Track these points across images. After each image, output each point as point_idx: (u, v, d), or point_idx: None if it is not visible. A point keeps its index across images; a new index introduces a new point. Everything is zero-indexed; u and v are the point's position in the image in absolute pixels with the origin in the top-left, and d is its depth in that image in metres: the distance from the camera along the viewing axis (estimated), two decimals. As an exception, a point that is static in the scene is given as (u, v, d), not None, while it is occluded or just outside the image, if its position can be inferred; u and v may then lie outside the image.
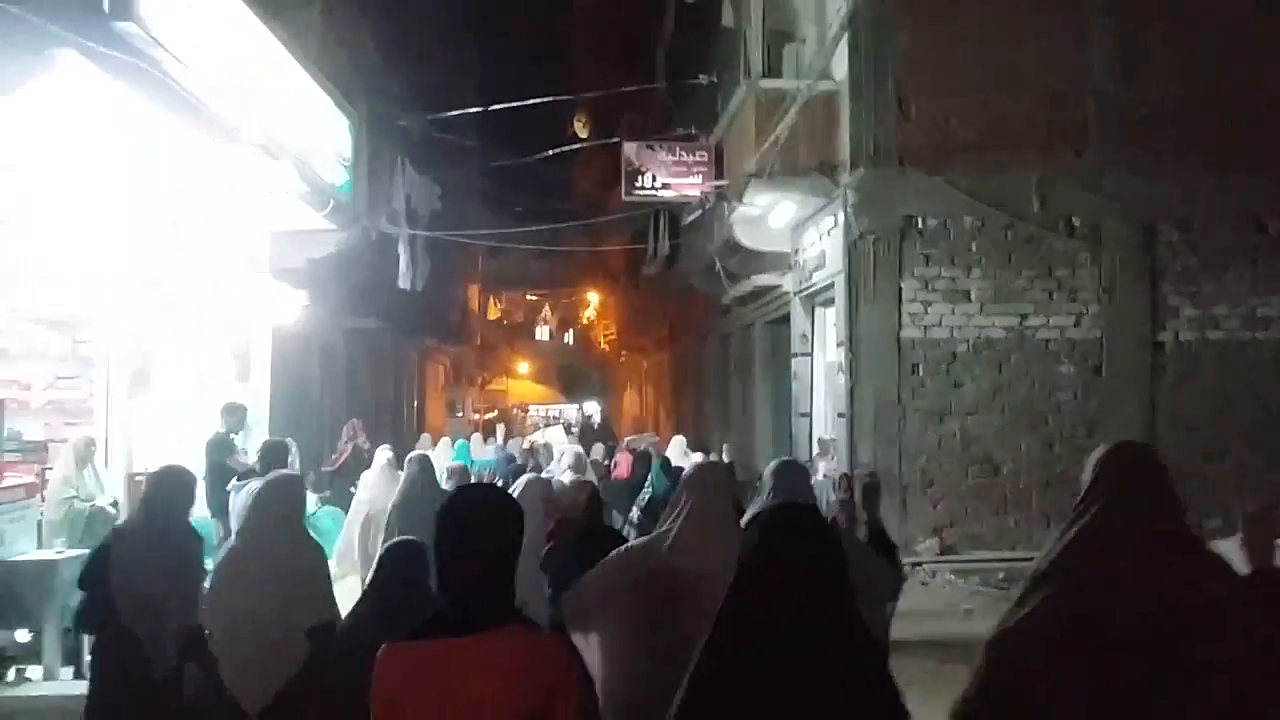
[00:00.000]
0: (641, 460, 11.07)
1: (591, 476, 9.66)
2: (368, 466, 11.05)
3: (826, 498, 10.14)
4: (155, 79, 8.12)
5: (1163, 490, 2.89)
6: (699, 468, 4.33)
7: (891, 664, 2.67)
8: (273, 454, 8.29)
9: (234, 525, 7.98)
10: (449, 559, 2.57)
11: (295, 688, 3.64)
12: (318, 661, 3.54)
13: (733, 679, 2.32)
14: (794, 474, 4.47)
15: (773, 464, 4.45)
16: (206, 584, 4.97)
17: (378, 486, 9.89)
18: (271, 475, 5.19)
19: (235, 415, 10.19)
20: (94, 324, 9.68)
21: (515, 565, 2.63)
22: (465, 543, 2.56)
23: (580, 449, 12.04)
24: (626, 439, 16.20)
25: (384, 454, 10.62)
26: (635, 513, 9.13)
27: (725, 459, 12.92)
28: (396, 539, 4.03)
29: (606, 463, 13.60)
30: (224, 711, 4.41)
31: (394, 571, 3.81)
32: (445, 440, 14.83)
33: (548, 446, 14.36)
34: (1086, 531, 2.83)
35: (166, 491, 5.23)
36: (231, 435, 9.92)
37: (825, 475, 11.94)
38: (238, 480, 8.31)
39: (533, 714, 2.46)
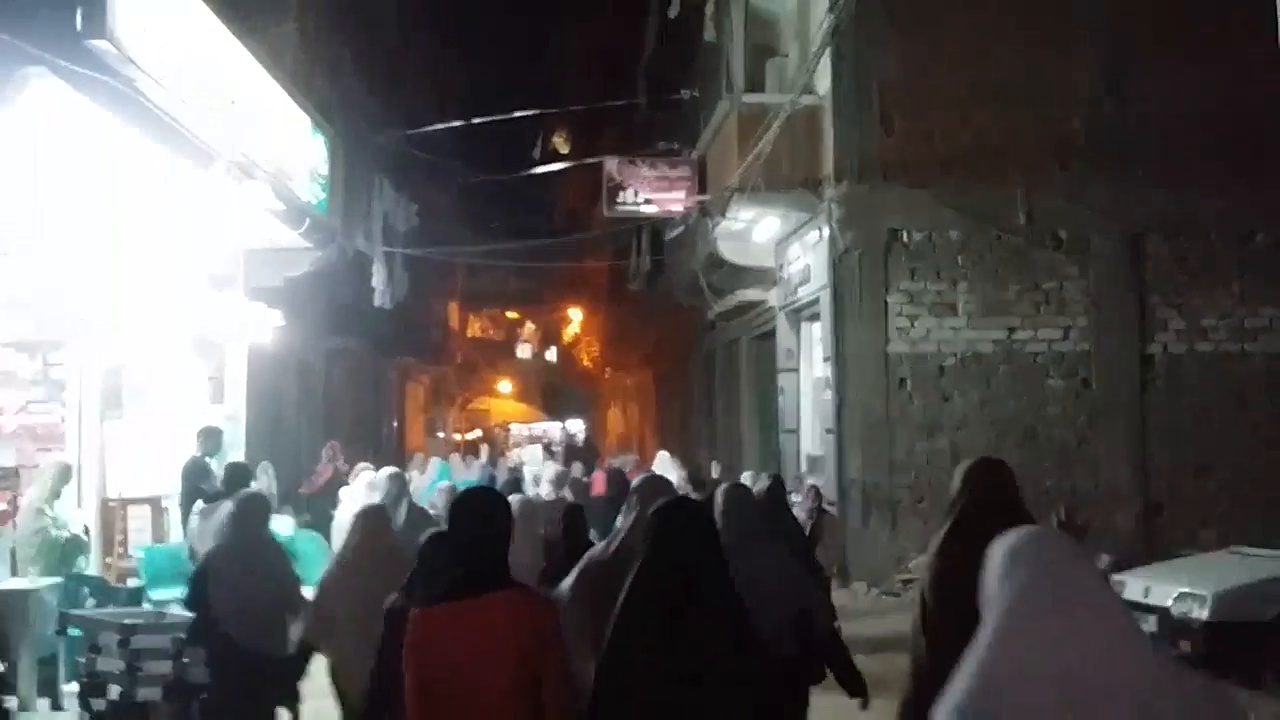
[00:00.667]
0: (615, 477, 11.07)
1: (568, 493, 9.87)
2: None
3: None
4: (129, 97, 7.97)
5: (1011, 493, 4.00)
6: (645, 479, 5.05)
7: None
8: (237, 476, 8.11)
9: (197, 548, 7.77)
10: (464, 540, 3.38)
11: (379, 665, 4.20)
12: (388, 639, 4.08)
13: (641, 629, 3.16)
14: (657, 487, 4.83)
15: (638, 480, 5.08)
16: (312, 591, 5.61)
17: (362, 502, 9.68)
18: (365, 506, 6.01)
19: (211, 439, 9.98)
20: (65, 346, 9.46)
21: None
22: (475, 528, 3.37)
23: (560, 467, 12.10)
24: (608, 460, 16.14)
25: (368, 472, 10.42)
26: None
27: (715, 475, 12.79)
28: (434, 530, 4.63)
29: (585, 480, 13.63)
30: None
31: (435, 557, 4.34)
32: (435, 460, 14.69)
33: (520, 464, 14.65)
34: (957, 526, 3.86)
35: (251, 514, 5.88)
36: (207, 459, 9.70)
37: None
38: (204, 504, 8.09)
39: (529, 650, 3.19)
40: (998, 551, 2.17)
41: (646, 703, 3.10)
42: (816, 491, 10.25)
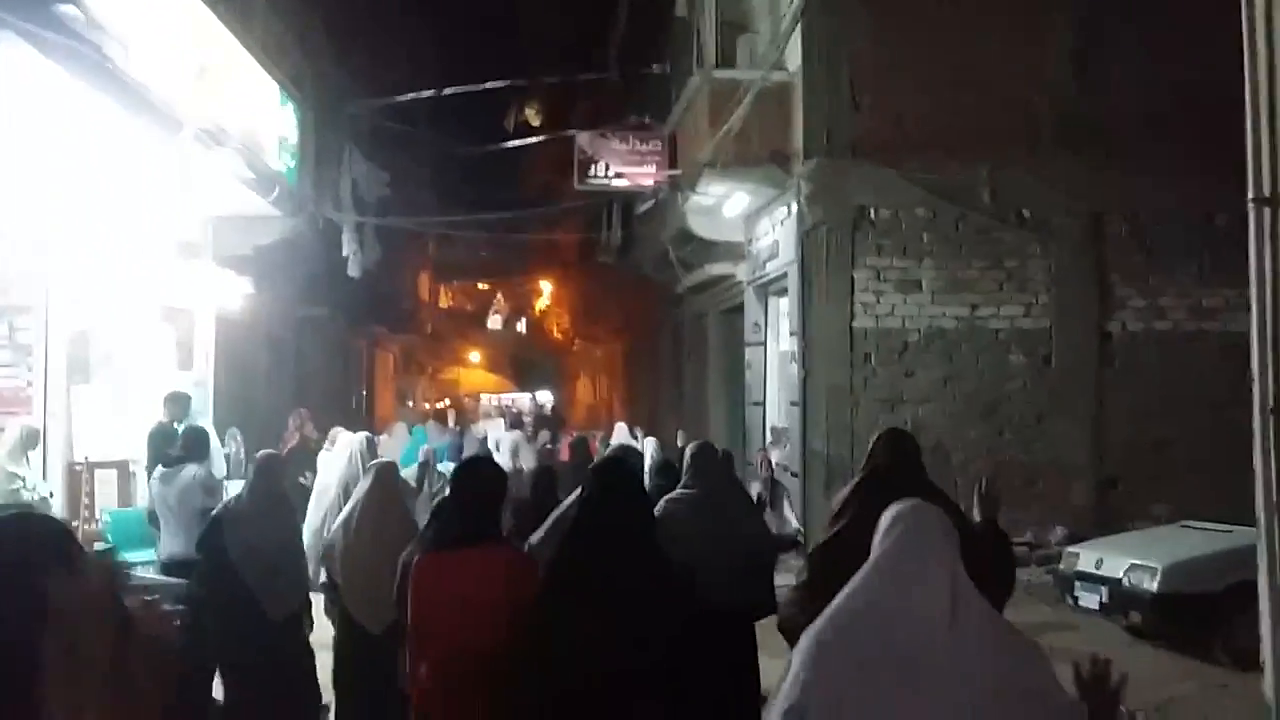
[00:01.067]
0: (579, 446, 11.30)
1: (525, 462, 10.43)
2: (315, 455, 10.89)
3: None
4: (96, 63, 7.94)
5: (914, 459, 4.59)
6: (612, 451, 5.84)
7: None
8: (195, 440, 8.14)
9: (159, 512, 7.82)
10: (465, 500, 4.05)
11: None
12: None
13: (575, 566, 3.70)
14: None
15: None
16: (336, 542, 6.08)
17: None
18: (379, 462, 6.60)
19: (178, 404, 9.97)
20: (32, 311, 9.45)
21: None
22: (474, 489, 4.05)
23: (518, 437, 12.49)
24: (573, 433, 16.40)
25: (345, 434, 10.46)
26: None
27: (680, 445, 12.93)
28: (443, 498, 5.09)
29: (551, 447, 13.91)
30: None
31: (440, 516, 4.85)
32: (401, 425, 14.75)
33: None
34: (863, 484, 4.41)
35: (269, 473, 6.29)
36: (174, 424, 9.70)
37: (777, 464, 12.03)
38: (163, 468, 8.11)
39: (510, 590, 3.73)
40: (886, 516, 2.75)
41: (569, 643, 3.56)
42: (769, 460, 10.53)
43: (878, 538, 2.72)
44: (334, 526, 6.29)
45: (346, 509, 6.30)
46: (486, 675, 3.69)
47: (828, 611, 2.66)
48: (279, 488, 6.41)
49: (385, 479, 6.23)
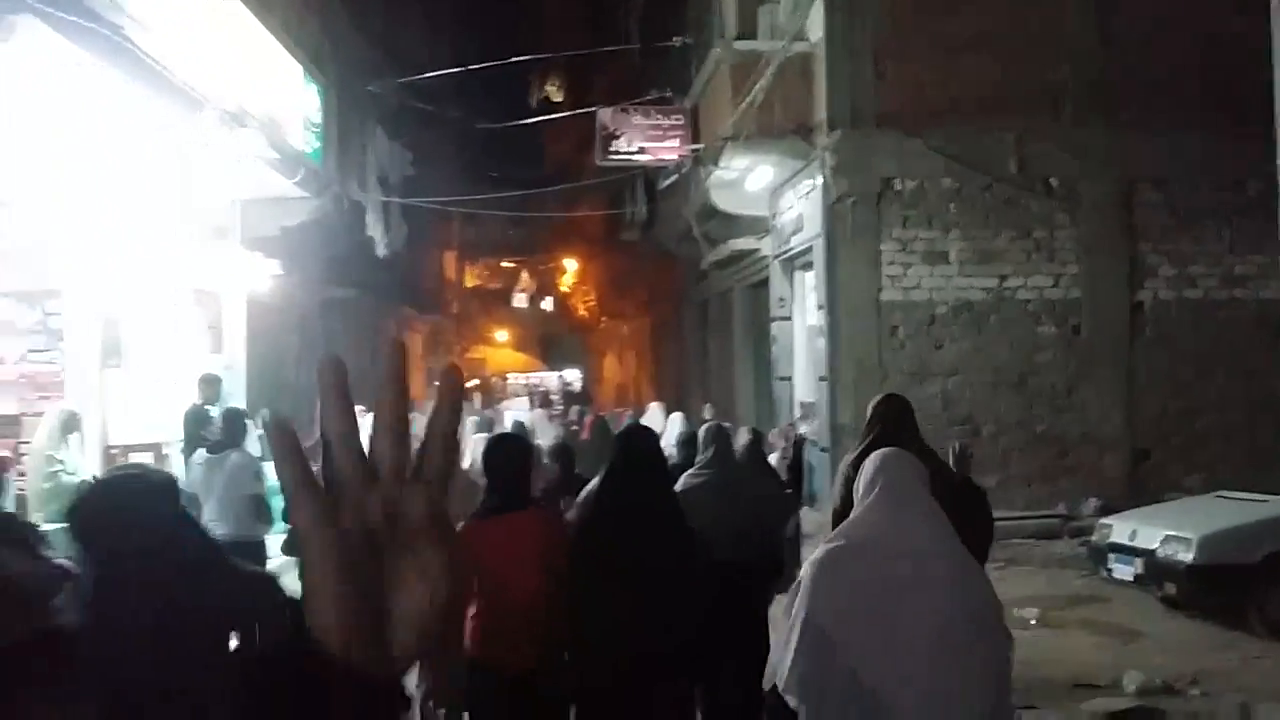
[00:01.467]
0: (598, 425, 11.39)
1: (544, 439, 10.48)
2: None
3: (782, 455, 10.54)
4: (118, 44, 7.95)
5: (912, 422, 5.17)
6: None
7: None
8: (235, 423, 8.17)
9: (202, 495, 7.86)
10: (500, 472, 4.41)
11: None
12: None
13: (605, 544, 4.03)
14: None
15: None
16: None
17: None
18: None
19: (212, 387, 10.05)
20: (64, 296, 9.52)
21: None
22: (509, 463, 4.43)
23: (538, 415, 12.59)
24: (598, 413, 16.58)
25: (365, 417, 10.54)
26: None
27: (707, 417, 12.97)
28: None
29: (575, 426, 14.01)
30: None
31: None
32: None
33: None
34: (869, 446, 4.59)
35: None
36: (208, 407, 9.78)
37: (808, 437, 12.04)
38: (207, 453, 8.16)
39: (548, 553, 4.15)
40: (870, 464, 3.22)
41: (601, 628, 3.88)
42: (791, 433, 10.56)
43: (863, 481, 3.19)
44: None
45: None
46: (529, 631, 4.08)
47: (828, 541, 3.18)
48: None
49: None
